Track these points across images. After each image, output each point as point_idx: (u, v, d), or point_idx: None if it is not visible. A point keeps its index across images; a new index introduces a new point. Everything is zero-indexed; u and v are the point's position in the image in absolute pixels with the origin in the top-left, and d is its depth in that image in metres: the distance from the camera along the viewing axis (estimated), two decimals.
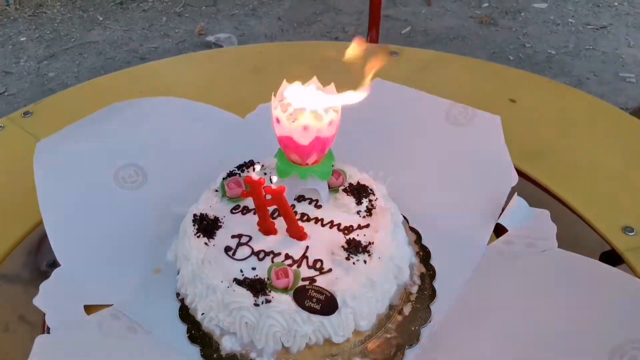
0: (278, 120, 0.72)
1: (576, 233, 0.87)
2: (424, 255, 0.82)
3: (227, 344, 0.71)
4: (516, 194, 0.82)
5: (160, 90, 1.06)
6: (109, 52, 2.75)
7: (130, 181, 0.88)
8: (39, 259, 0.89)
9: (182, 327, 0.74)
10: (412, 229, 0.85)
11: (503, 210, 0.84)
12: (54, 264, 0.78)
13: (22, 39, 2.85)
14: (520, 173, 0.92)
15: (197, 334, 0.73)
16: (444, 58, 1.27)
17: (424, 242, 0.84)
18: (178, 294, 0.78)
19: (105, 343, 0.70)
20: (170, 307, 0.77)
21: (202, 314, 0.73)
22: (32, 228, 0.88)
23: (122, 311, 0.76)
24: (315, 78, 0.75)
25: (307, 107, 0.72)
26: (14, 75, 2.64)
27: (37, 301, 0.73)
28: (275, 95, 0.74)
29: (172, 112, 0.96)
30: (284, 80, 0.75)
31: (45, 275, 0.78)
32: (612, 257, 0.87)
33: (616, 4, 2.99)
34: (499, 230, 0.83)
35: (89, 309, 0.75)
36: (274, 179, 0.69)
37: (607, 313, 0.68)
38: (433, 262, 0.81)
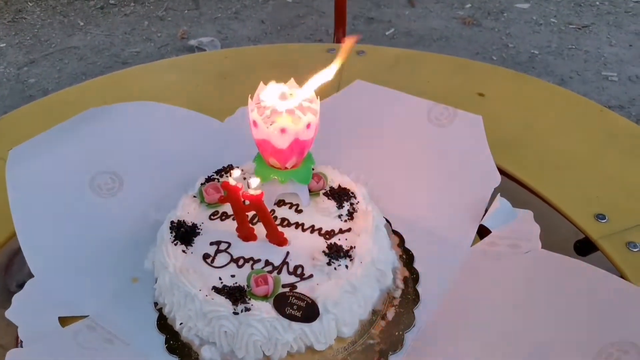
0: (255, 124, 0.71)
1: (549, 222, 0.86)
2: (407, 258, 0.81)
3: (207, 354, 0.69)
4: (499, 194, 0.81)
5: (136, 97, 1.04)
6: (91, 58, 2.72)
7: (106, 188, 0.86)
8: (8, 280, 0.87)
9: (161, 338, 0.72)
10: (395, 232, 0.84)
11: (486, 211, 0.83)
12: (24, 285, 0.75)
13: (1, 45, 2.81)
14: None
15: (176, 344, 0.71)
16: (411, 55, 1.27)
17: (407, 245, 0.83)
18: (156, 303, 0.76)
19: (82, 355, 0.68)
20: (148, 317, 0.75)
21: (181, 323, 0.71)
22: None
23: (98, 322, 0.73)
24: (292, 80, 0.74)
25: (282, 106, 0.70)
26: None
27: (10, 314, 0.71)
28: (251, 98, 0.72)
29: (148, 116, 0.94)
30: (261, 83, 0.73)
31: None
32: (586, 245, 0.88)
33: (597, 3, 3.00)
34: (483, 232, 0.82)
35: (64, 320, 0.73)
36: (253, 183, 0.68)
37: (592, 315, 0.67)
38: (416, 265, 0.80)
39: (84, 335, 0.71)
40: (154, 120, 0.94)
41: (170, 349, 0.71)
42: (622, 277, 0.77)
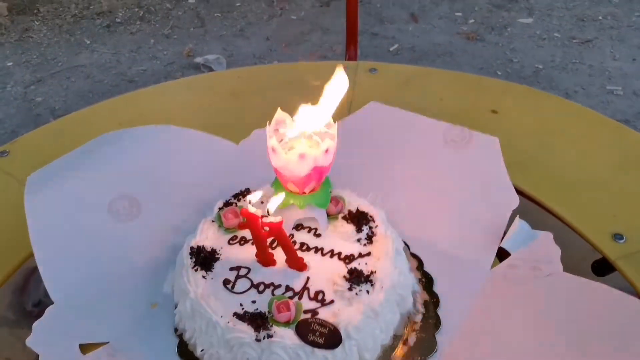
0: (274, 150, 0.71)
1: (566, 242, 0.86)
2: (427, 282, 0.81)
3: None
4: (518, 216, 0.81)
5: (148, 118, 1.05)
6: (97, 76, 2.73)
7: (125, 213, 0.86)
8: (24, 299, 0.87)
9: None
10: (414, 255, 0.84)
11: (505, 233, 0.83)
12: (40, 304, 0.75)
13: (8, 64, 2.83)
14: None
15: None
16: (423, 72, 1.28)
17: (426, 268, 0.82)
18: (176, 329, 0.76)
19: None
20: (168, 343, 0.74)
21: (202, 350, 0.71)
22: (14, 268, 0.86)
23: (119, 349, 0.73)
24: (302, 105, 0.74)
25: (304, 129, 0.71)
26: (1, 101, 2.61)
27: (31, 341, 0.70)
28: (269, 124, 0.73)
29: (164, 140, 0.94)
30: (279, 109, 0.74)
31: (31, 315, 0.76)
32: (603, 266, 0.87)
33: (600, 17, 3.02)
34: (502, 254, 0.82)
35: (84, 348, 0.73)
36: (272, 205, 0.68)
37: (612, 337, 0.67)
38: (436, 288, 0.80)
39: None
40: (169, 143, 0.94)
41: None
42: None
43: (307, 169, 0.71)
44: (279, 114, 0.74)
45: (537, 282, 0.75)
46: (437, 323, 0.76)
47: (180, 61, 2.81)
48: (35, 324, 0.73)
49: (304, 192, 0.75)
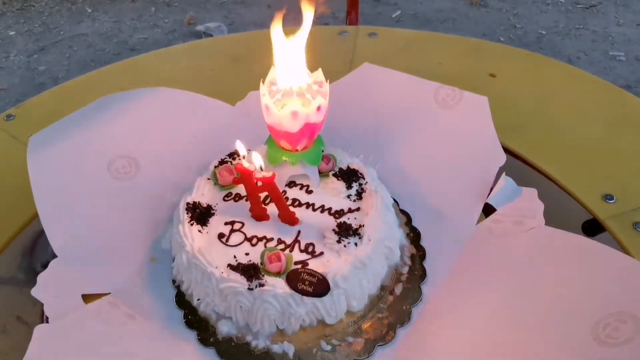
0: (267, 108, 0.73)
1: (558, 203, 0.89)
2: (414, 236, 0.84)
3: (224, 328, 0.73)
4: (504, 173, 0.83)
5: (149, 83, 1.06)
6: (99, 44, 2.74)
7: (124, 172, 0.89)
8: (33, 261, 0.91)
9: (179, 313, 0.76)
10: (403, 212, 0.87)
11: (492, 189, 0.85)
12: (48, 265, 0.78)
13: (10, 33, 2.83)
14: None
15: (194, 319, 0.75)
16: (423, 37, 1.29)
17: (415, 223, 0.85)
18: (174, 281, 0.79)
19: (105, 330, 0.72)
20: (167, 294, 0.78)
21: (198, 299, 0.75)
22: (20, 229, 0.89)
23: (120, 299, 0.77)
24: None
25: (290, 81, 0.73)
26: (4, 70, 2.62)
27: (35, 292, 0.74)
28: (263, 82, 0.75)
29: (162, 102, 0.96)
30: (272, 68, 0.76)
31: None
32: (594, 226, 0.89)
33: None
34: (489, 210, 0.85)
35: (86, 298, 0.77)
36: (254, 159, 0.70)
37: (591, 288, 0.69)
38: (423, 243, 0.83)
39: (106, 312, 0.74)
40: (168, 105, 0.96)
41: (189, 324, 0.75)
42: None
43: (298, 125, 0.73)
44: (273, 73, 0.76)
45: (520, 236, 0.77)
46: (422, 275, 0.79)
47: (181, 29, 2.81)
48: (40, 275, 0.76)
49: (296, 150, 0.78)
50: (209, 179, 0.83)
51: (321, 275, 0.70)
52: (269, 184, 0.71)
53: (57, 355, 0.67)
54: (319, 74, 0.75)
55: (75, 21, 2.90)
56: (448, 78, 0.97)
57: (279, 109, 0.72)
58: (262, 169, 0.71)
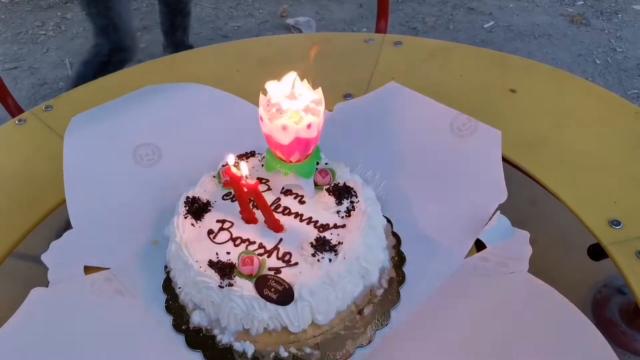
0: (261, 118, 0.77)
1: (566, 223, 0.87)
2: (399, 260, 0.84)
3: (196, 318, 0.78)
4: (499, 211, 0.82)
5: (181, 78, 1.12)
6: (196, 29, 2.89)
7: (147, 159, 0.97)
8: None
9: (163, 297, 0.82)
10: (394, 234, 0.87)
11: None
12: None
13: None
14: (512, 164, 0.93)
15: (174, 305, 0.81)
16: (448, 47, 1.26)
17: (403, 247, 0.86)
18: (166, 267, 0.85)
19: (92, 302, 0.79)
20: (157, 277, 0.85)
21: (179, 287, 0.80)
22: (48, 212, 0.97)
23: (116, 275, 0.84)
24: (305, 81, 0.79)
25: (287, 105, 0.76)
26: None
27: (44, 257, 0.83)
28: (264, 94, 0.79)
29: (196, 98, 1.03)
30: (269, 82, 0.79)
31: None
32: (599, 250, 0.86)
33: None
34: (483, 247, 0.84)
35: (88, 270, 0.85)
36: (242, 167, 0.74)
37: (557, 349, 0.67)
38: (406, 268, 0.83)
39: (99, 285, 0.82)
40: (199, 101, 1.03)
41: (168, 309, 0.81)
42: (627, 285, 0.78)
43: (288, 139, 0.76)
44: (271, 84, 0.79)
45: (501, 280, 0.76)
46: (395, 300, 0.80)
47: (273, 21, 2.90)
48: (52, 243, 0.85)
49: (290, 161, 0.81)
50: (214, 176, 0.88)
51: (288, 284, 0.73)
52: (253, 190, 0.75)
53: (44, 316, 0.76)
54: (319, 92, 0.78)
55: None
56: (466, 90, 0.96)
57: (271, 121, 0.76)
58: (247, 177, 0.75)
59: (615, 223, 0.86)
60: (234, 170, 0.76)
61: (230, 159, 0.76)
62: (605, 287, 1.24)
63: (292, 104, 0.76)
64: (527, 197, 0.95)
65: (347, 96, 1.08)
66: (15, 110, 1.49)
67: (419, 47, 1.27)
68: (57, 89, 2.62)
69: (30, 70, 2.71)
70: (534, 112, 1.07)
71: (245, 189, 0.76)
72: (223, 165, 0.89)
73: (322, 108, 0.77)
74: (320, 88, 0.78)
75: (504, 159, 0.92)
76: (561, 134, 1.02)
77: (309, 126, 0.75)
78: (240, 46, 1.34)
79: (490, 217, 0.84)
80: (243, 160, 0.89)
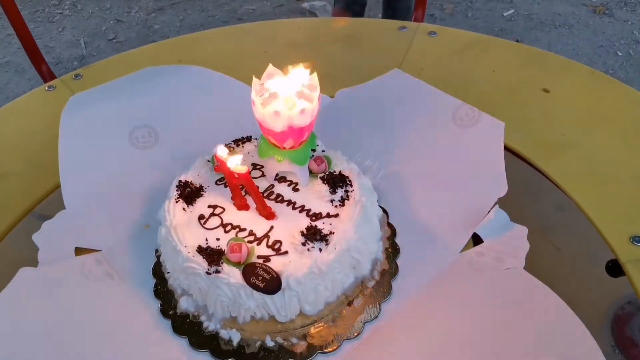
0: (254, 103, 0.75)
1: (594, 233, 0.82)
2: (393, 252, 0.82)
3: (184, 304, 0.77)
4: (497, 205, 0.79)
5: (201, 59, 1.11)
6: (211, 10, 2.88)
7: (143, 141, 0.96)
8: None
9: (152, 282, 0.81)
10: (390, 225, 0.85)
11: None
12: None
13: None
14: (535, 168, 0.89)
15: (162, 290, 0.80)
16: (483, 40, 1.22)
17: (397, 239, 0.84)
18: (157, 251, 0.85)
19: (81, 283, 0.79)
20: (148, 261, 0.84)
21: (168, 272, 0.79)
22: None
23: (107, 257, 0.84)
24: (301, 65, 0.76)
25: (283, 91, 0.74)
26: (124, 24, 2.85)
27: (36, 237, 0.83)
28: (259, 78, 0.77)
29: (194, 80, 1.01)
30: (270, 65, 0.77)
31: None
32: (617, 266, 0.82)
33: None
34: (480, 241, 0.81)
35: (79, 251, 0.84)
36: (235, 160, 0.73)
37: (547, 348, 0.65)
38: (399, 260, 0.81)
39: (89, 267, 0.81)
40: (198, 84, 1.01)
41: (156, 293, 0.80)
42: None
43: (281, 126, 0.74)
44: (270, 68, 0.77)
45: (496, 275, 0.74)
46: (387, 292, 0.78)
47: (289, 4, 2.87)
48: (45, 223, 0.85)
49: (283, 147, 0.79)
50: (208, 160, 0.87)
51: (276, 273, 0.71)
52: (243, 178, 0.74)
53: (31, 296, 0.75)
54: (314, 78, 0.75)
55: None
56: (497, 87, 0.91)
57: (264, 106, 0.74)
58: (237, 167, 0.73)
59: (636, 239, 0.81)
60: (221, 156, 0.74)
61: (221, 150, 0.74)
62: (629, 304, 1.19)
63: (285, 89, 0.74)
64: (554, 202, 0.90)
65: None
66: (48, 77, 1.50)
67: (454, 38, 1.23)
68: (71, 68, 2.62)
69: (45, 49, 2.72)
70: (565, 114, 1.02)
71: (236, 175, 0.75)
72: None
73: (316, 94, 0.75)
74: (315, 73, 0.76)
75: (527, 161, 0.89)
76: (591, 139, 0.97)
77: (302, 112, 0.73)
78: (269, 27, 1.32)
79: (489, 211, 0.81)
80: (239, 145, 0.88)
